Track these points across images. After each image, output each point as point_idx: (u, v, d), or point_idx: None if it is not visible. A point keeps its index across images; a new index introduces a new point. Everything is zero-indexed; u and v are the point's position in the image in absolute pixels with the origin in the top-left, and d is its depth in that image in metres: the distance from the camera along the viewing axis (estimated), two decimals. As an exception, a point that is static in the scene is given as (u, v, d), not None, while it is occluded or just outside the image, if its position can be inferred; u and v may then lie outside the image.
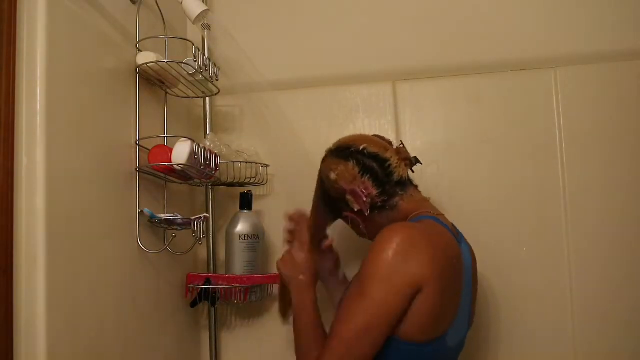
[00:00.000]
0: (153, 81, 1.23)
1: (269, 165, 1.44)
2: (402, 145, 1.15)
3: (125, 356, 1.09)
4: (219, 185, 1.43)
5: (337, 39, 1.49)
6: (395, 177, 1.09)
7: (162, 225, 1.20)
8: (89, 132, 1.01)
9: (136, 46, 1.18)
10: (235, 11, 1.53)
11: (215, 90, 1.35)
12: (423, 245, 0.95)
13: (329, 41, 1.49)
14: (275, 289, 1.43)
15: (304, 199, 1.46)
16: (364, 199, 1.08)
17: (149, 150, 1.17)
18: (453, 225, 1.11)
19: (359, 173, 1.08)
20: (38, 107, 0.88)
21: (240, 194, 1.41)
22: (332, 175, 1.11)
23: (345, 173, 1.09)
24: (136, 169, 1.16)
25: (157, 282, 1.24)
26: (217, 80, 1.31)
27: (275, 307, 1.46)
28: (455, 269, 1.00)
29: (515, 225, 1.37)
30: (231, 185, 1.42)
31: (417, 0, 1.47)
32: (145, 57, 1.16)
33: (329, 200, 1.15)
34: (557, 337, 1.33)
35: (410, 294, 0.91)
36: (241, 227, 1.38)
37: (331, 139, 1.46)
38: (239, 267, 1.37)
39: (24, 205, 0.86)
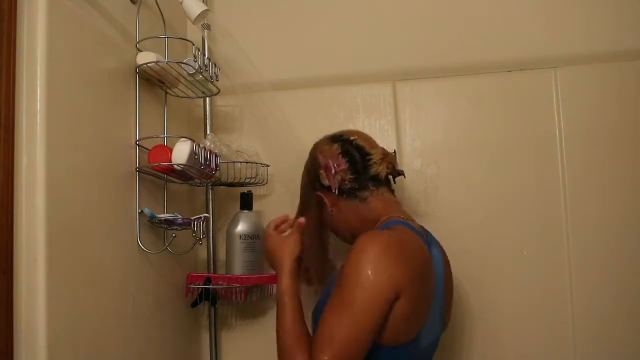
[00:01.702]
0: (153, 81, 1.23)
1: (269, 165, 1.44)
2: (393, 153, 1.18)
3: (125, 356, 1.09)
4: (219, 185, 1.43)
5: (337, 39, 1.49)
6: (372, 171, 1.13)
7: (162, 225, 1.20)
8: (89, 132, 1.01)
9: (136, 46, 1.18)
10: (235, 11, 1.53)
11: (215, 90, 1.35)
12: (397, 253, 0.95)
13: (329, 41, 1.49)
14: (274, 288, 1.43)
15: (304, 199, 1.47)
16: (333, 172, 1.12)
17: (149, 150, 1.17)
18: (422, 228, 1.12)
19: (339, 154, 1.14)
20: (38, 107, 0.88)
21: (241, 194, 1.41)
22: (316, 152, 1.18)
23: (328, 151, 1.15)
24: (136, 169, 1.16)
25: (157, 282, 1.24)
26: (217, 80, 1.31)
27: (275, 306, 1.46)
28: (426, 274, 1.01)
29: (515, 225, 1.37)
30: (231, 185, 1.42)
31: (417, 1, 1.47)
32: (145, 57, 1.16)
33: (310, 182, 1.19)
34: (558, 337, 1.33)
35: (391, 300, 0.92)
36: (241, 227, 1.38)
37: (331, 139, 1.47)
38: (239, 267, 1.37)
39: (24, 205, 0.86)
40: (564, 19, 1.40)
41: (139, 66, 1.16)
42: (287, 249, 1.13)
